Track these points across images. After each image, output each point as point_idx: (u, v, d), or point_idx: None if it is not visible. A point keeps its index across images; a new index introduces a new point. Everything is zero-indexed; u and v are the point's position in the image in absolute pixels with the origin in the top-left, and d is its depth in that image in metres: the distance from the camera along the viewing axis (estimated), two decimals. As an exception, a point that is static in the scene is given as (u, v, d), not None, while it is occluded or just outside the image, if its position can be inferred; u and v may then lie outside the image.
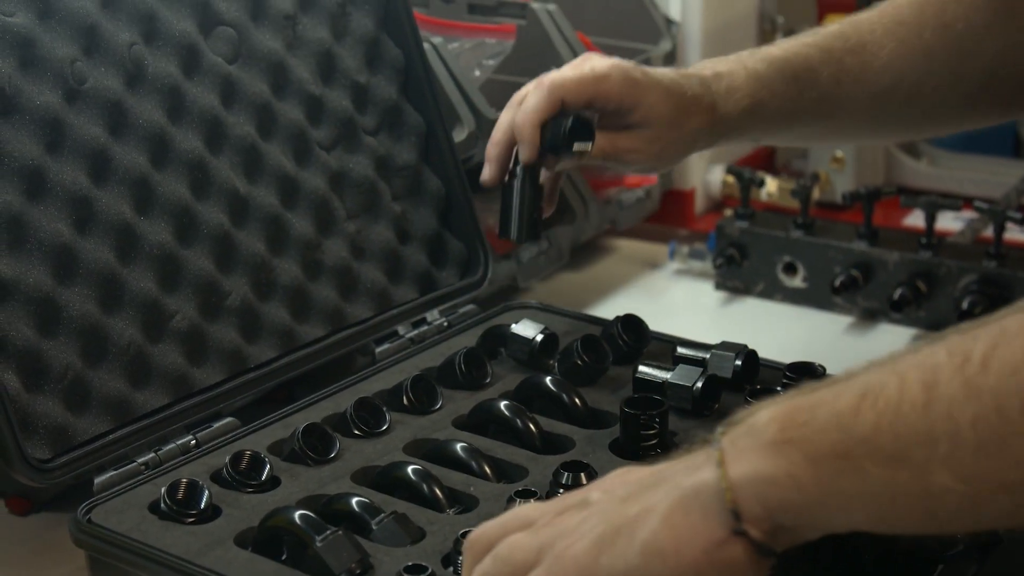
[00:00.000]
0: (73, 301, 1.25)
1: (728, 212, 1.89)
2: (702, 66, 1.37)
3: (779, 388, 1.26)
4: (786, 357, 1.32)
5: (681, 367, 1.29)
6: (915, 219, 1.92)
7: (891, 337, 1.69)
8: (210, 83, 1.40)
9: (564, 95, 1.29)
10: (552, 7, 1.87)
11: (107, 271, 1.28)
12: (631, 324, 1.40)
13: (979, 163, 2.07)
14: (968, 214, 1.82)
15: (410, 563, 1.04)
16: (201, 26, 1.41)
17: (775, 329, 1.73)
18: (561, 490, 1.11)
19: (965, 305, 1.63)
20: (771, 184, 1.96)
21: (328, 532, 1.05)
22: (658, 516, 0.85)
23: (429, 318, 1.52)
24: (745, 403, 1.20)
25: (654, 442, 1.20)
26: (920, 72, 1.35)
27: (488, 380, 1.36)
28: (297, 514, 1.08)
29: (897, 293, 1.69)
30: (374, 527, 1.09)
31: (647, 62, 1.82)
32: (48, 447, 1.21)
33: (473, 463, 1.20)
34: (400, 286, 1.53)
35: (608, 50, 1.61)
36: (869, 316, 1.74)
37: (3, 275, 1.21)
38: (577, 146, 1.29)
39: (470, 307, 1.55)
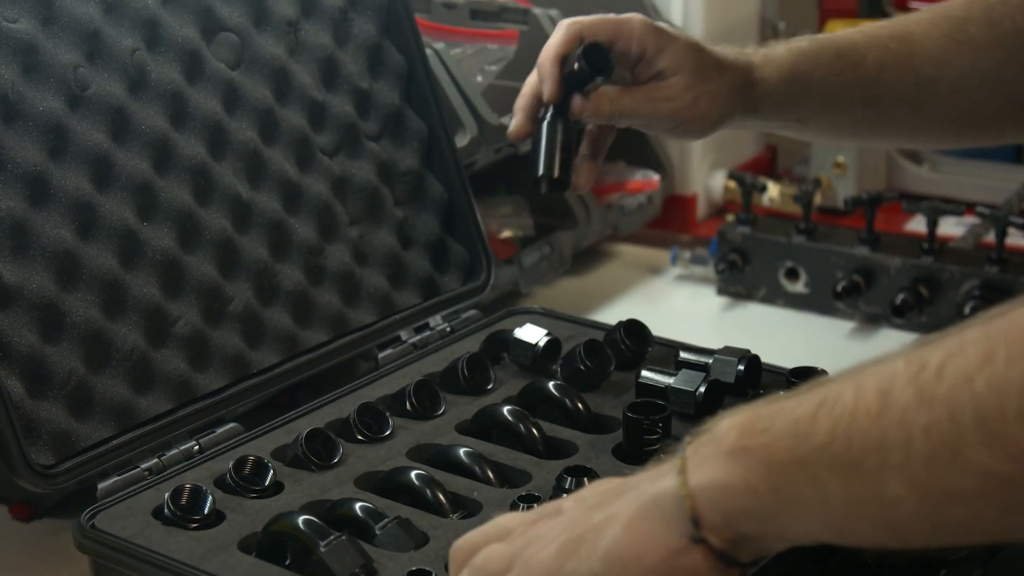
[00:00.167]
0: (76, 307, 1.25)
1: (730, 217, 1.89)
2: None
3: (782, 393, 1.25)
4: (788, 362, 1.32)
5: (684, 372, 1.29)
6: (917, 224, 1.92)
7: (893, 342, 1.69)
8: (212, 89, 1.40)
9: (582, 30, 1.28)
10: (554, 12, 1.87)
11: (110, 277, 1.28)
12: (634, 329, 1.40)
13: (981, 168, 2.07)
14: (970, 219, 1.82)
15: (414, 568, 1.04)
16: (203, 32, 1.41)
17: (777, 334, 1.74)
18: (564, 495, 1.11)
19: (967, 310, 1.63)
20: (773, 189, 1.96)
21: (332, 537, 1.05)
22: (621, 523, 0.85)
23: (432, 323, 1.52)
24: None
25: (657, 447, 1.20)
26: (964, 65, 1.32)
27: (491, 385, 1.36)
28: (301, 519, 1.08)
29: (899, 298, 1.69)
30: (378, 532, 1.09)
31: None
32: (51, 453, 1.21)
33: (476, 468, 1.20)
34: (403, 291, 1.53)
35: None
36: (871, 321, 1.74)
37: (6, 281, 1.21)
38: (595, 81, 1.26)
39: (472, 312, 1.55)
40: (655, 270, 1.95)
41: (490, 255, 1.58)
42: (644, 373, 1.31)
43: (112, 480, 1.21)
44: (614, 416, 1.28)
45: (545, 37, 1.83)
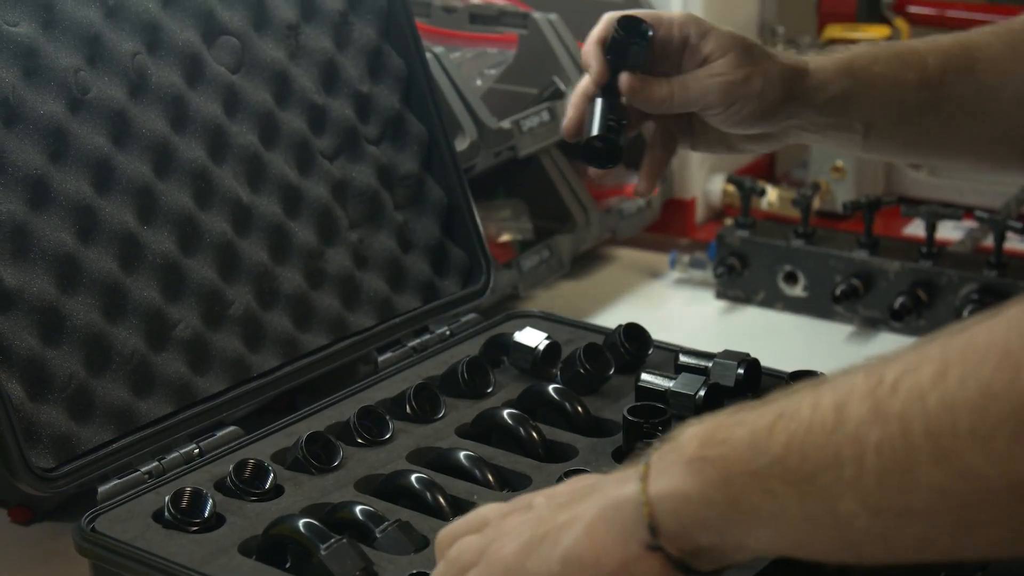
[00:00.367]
0: (77, 310, 1.26)
1: (729, 221, 1.89)
2: None
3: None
4: (786, 366, 1.32)
5: (684, 376, 1.29)
6: (916, 228, 1.92)
7: (891, 346, 1.67)
8: (213, 92, 1.41)
9: (620, 17, 1.26)
10: (553, 17, 1.87)
11: (110, 280, 1.28)
12: (633, 333, 1.40)
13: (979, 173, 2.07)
14: (968, 224, 1.83)
15: (414, 571, 1.04)
16: (204, 36, 1.42)
17: (775, 338, 1.74)
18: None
19: (965, 314, 1.64)
20: (772, 193, 1.96)
21: (332, 540, 1.05)
22: (582, 525, 0.86)
23: (431, 327, 1.52)
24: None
25: (657, 450, 1.20)
26: None
27: (491, 389, 1.36)
28: (301, 522, 1.08)
29: (898, 302, 1.69)
30: (378, 535, 1.10)
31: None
32: (52, 456, 1.21)
33: (476, 471, 1.20)
34: (402, 295, 1.53)
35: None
36: (870, 325, 1.74)
37: (7, 284, 1.22)
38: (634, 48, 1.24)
39: (472, 316, 1.55)
40: (654, 274, 1.95)
41: (490, 259, 1.59)
42: (644, 376, 1.31)
43: (112, 483, 1.21)
44: (614, 419, 1.28)
45: (544, 41, 1.85)
